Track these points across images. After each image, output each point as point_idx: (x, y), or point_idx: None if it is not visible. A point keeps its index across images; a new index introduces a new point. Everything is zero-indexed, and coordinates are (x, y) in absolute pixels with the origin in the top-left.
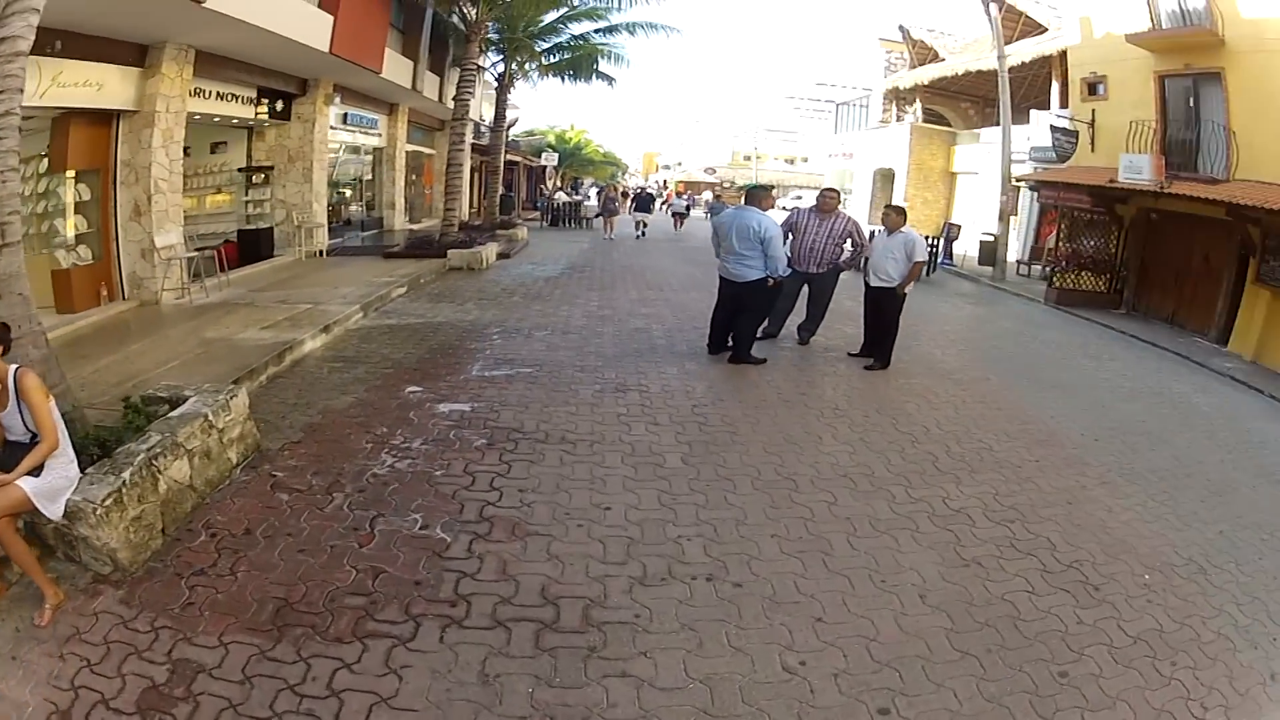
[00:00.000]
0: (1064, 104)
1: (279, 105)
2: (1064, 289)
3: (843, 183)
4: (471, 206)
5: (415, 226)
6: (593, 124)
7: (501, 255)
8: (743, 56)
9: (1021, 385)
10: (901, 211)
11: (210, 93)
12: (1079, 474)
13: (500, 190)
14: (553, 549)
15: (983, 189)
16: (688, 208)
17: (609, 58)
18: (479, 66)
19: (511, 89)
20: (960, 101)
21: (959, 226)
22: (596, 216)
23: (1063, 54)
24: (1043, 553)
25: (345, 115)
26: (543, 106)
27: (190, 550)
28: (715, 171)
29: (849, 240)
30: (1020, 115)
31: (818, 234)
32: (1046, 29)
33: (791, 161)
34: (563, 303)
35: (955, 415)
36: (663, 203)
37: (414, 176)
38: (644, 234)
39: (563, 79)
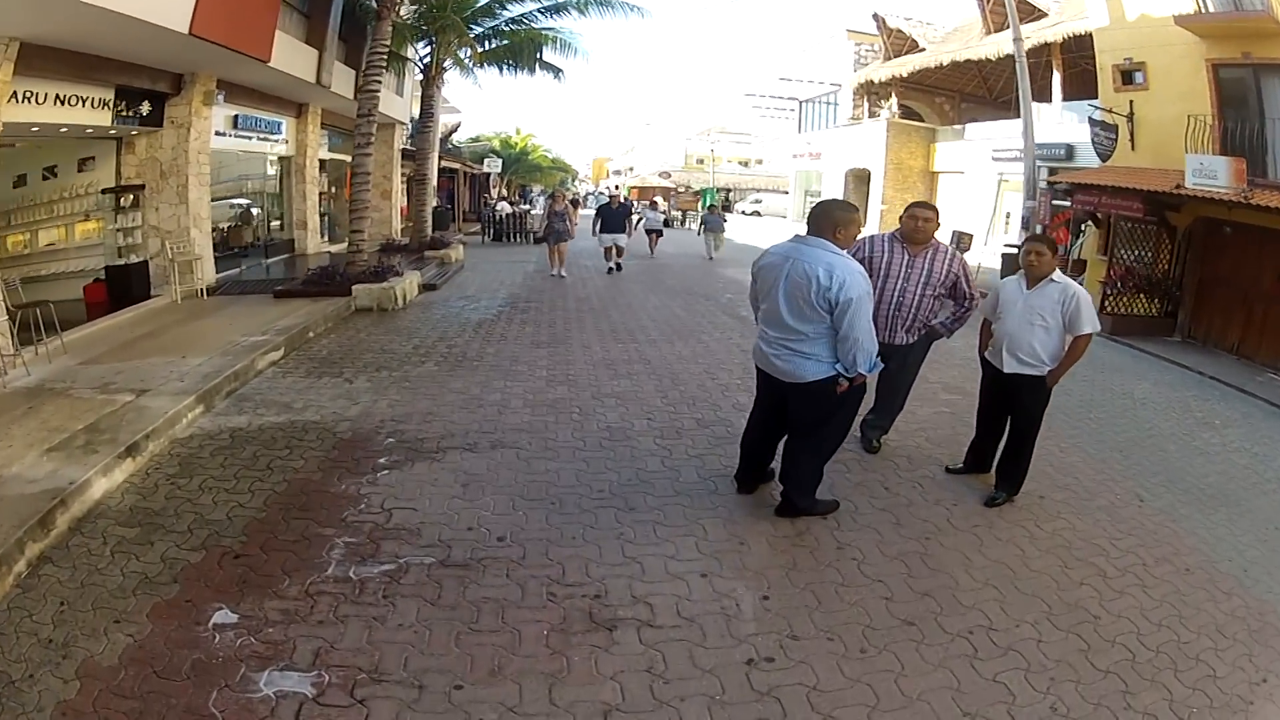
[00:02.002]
0: (1066, 96)
1: (145, 108)
2: (1117, 315)
3: (809, 185)
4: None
5: (334, 249)
6: (540, 129)
7: (427, 286)
8: (695, 56)
9: (1178, 506)
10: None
11: (44, 96)
12: None
13: (434, 202)
14: None
15: (969, 189)
16: (666, 222)
17: (555, 45)
18: (399, 55)
19: (441, 83)
20: (935, 96)
21: (970, 236)
22: (539, 241)
23: (1064, 42)
24: None
25: (236, 118)
26: (486, 111)
27: None
28: (670, 175)
29: (954, 289)
30: (1007, 109)
31: (907, 280)
32: (1045, 14)
33: (746, 164)
34: (496, 374)
35: (1147, 600)
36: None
37: (334, 189)
38: (618, 268)
39: (501, 69)
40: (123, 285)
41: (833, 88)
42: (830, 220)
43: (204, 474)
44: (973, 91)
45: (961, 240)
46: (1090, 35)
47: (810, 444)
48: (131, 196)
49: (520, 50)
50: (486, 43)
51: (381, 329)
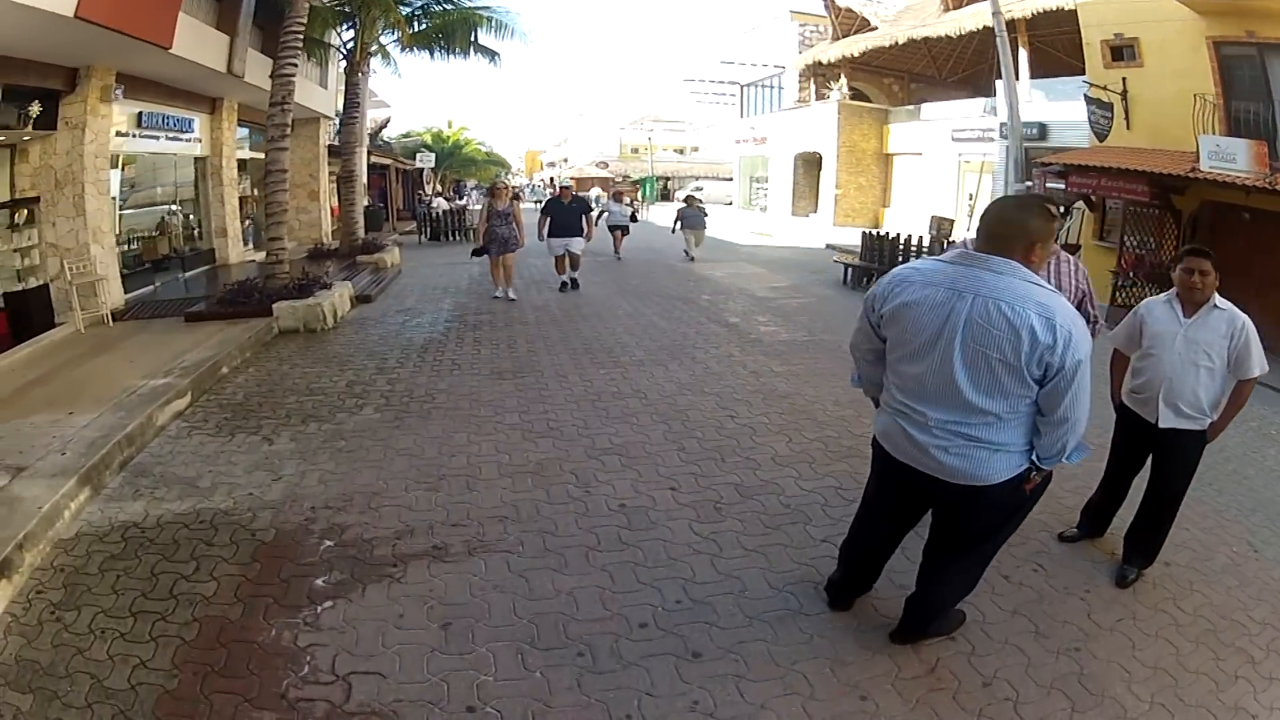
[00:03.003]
0: (1034, 74)
1: (34, 109)
2: (1130, 308)
3: (754, 170)
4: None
5: (260, 257)
6: (471, 121)
7: (361, 298)
8: (627, 44)
9: None
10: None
11: None
12: None
13: (365, 202)
14: None
15: (927, 172)
16: (633, 215)
17: (491, 26)
18: (320, 42)
19: (367, 70)
20: (884, 77)
21: (951, 221)
22: (479, 253)
23: (1030, 18)
24: None
25: (140, 115)
26: (415, 106)
27: None
28: (608, 165)
29: (1079, 308)
30: (960, 88)
31: None
32: None
33: (682, 151)
34: (455, 422)
35: None
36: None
37: (257, 192)
38: (574, 284)
39: (433, 53)
40: (23, 314)
41: (776, 70)
42: (1024, 232)
43: (94, 604)
44: (922, 71)
45: (941, 226)
46: (1060, 10)
47: (971, 558)
48: (26, 212)
49: (453, 32)
50: (415, 23)
51: (308, 357)
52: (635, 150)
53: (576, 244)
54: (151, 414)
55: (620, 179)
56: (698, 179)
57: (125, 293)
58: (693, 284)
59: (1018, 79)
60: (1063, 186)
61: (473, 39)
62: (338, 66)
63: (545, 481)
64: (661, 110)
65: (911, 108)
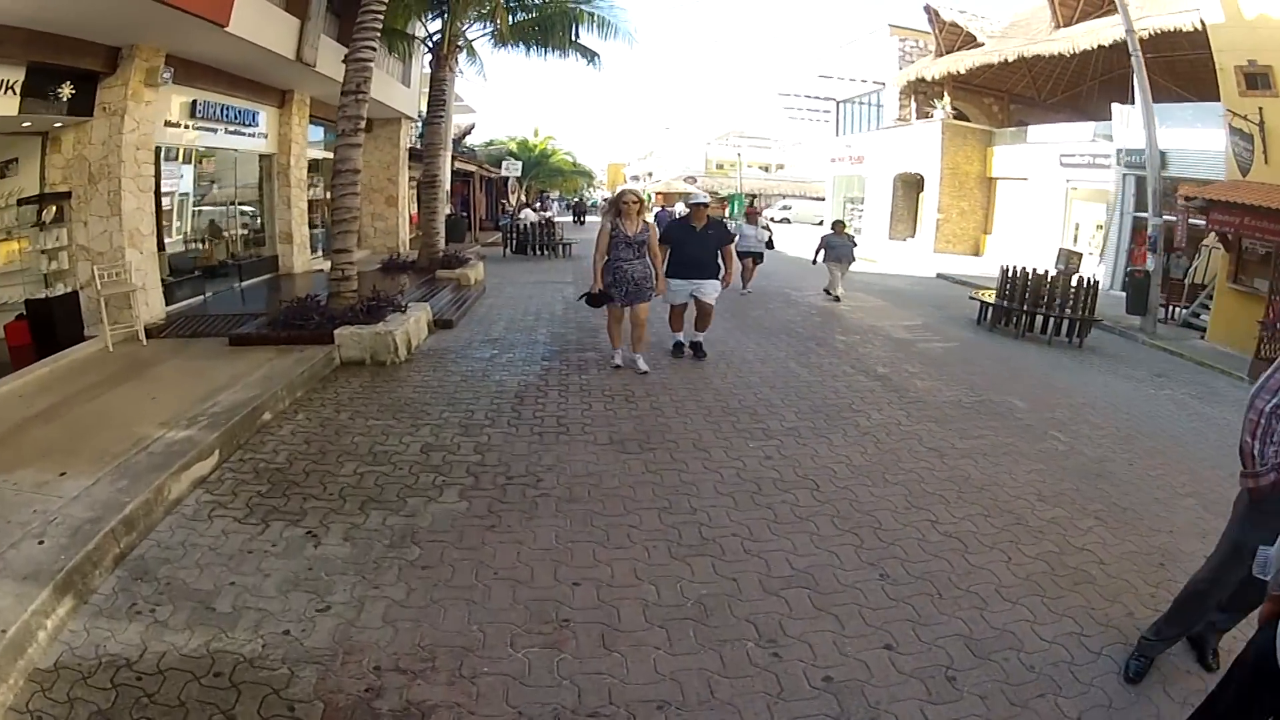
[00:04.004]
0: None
1: (66, 91)
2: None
3: (849, 191)
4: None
5: (327, 266)
6: (556, 131)
7: (440, 322)
8: (714, 58)
9: None
10: None
11: None
12: None
13: (448, 210)
14: None
15: (1032, 198)
16: (769, 241)
17: (594, 24)
18: (404, 34)
19: (455, 64)
20: (984, 97)
21: (1079, 255)
22: (598, 301)
23: (1143, 40)
24: None
25: (195, 104)
26: (500, 114)
27: None
28: (696, 180)
29: None
30: (1058, 110)
31: None
32: (1115, 9)
33: (767, 169)
34: (567, 519)
35: None
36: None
37: (330, 196)
38: (696, 350)
39: (529, 49)
40: (47, 325)
41: (875, 86)
42: None
43: None
44: (1021, 92)
45: (1070, 261)
46: (1177, 32)
47: None
48: (54, 208)
49: (552, 25)
50: (512, 14)
51: (374, 403)
52: (720, 166)
53: (710, 290)
54: (164, 484)
55: (707, 195)
56: (785, 197)
57: (170, 303)
58: (818, 319)
59: (1131, 103)
60: (1204, 223)
61: (573, 36)
62: (422, 62)
63: (714, 636)
64: (748, 126)
65: (1017, 129)
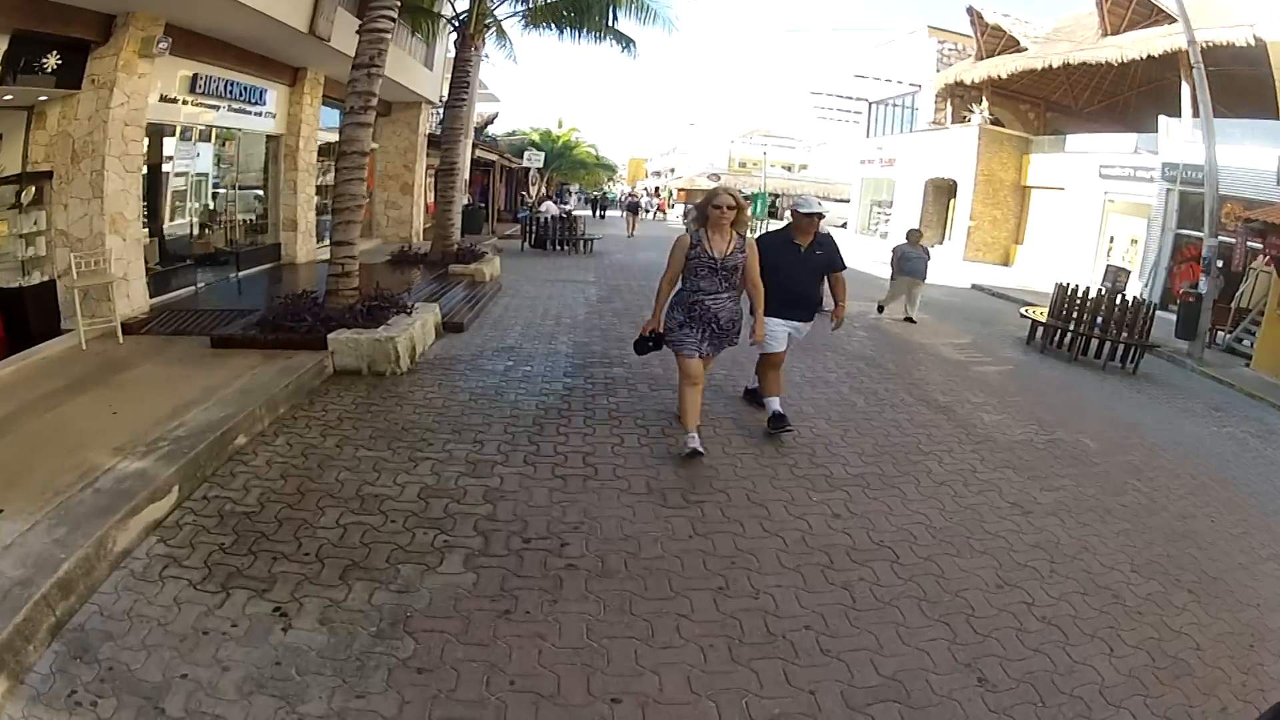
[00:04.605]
0: (1196, 112)
1: (51, 61)
2: None
3: (877, 194)
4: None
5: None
6: (580, 124)
7: (449, 325)
8: (739, 56)
9: None
10: None
11: None
12: None
13: (465, 200)
14: None
15: (1068, 208)
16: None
17: (632, 8)
18: (428, 11)
19: (482, 45)
20: (1021, 104)
21: (1127, 273)
22: (643, 348)
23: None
24: None
25: (195, 79)
26: (523, 104)
27: None
28: (720, 178)
29: None
30: (1095, 120)
31: None
32: (1170, 19)
33: (790, 168)
34: (600, 604)
35: None
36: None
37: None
38: (777, 422)
39: (561, 31)
40: (20, 317)
41: (911, 89)
42: None
43: None
44: (1058, 100)
45: (1118, 278)
46: (1230, 46)
47: None
48: (33, 189)
49: (588, 7)
50: None
51: (367, 426)
52: (743, 165)
53: (806, 332)
54: (109, 534)
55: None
56: (812, 198)
57: (157, 294)
58: (861, 334)
59: (1179, 116)
60: (1261, 247)
61: (611, 20)
62: (447, 45)
63: None
64: (772, 125)
65: (1055, 137)
